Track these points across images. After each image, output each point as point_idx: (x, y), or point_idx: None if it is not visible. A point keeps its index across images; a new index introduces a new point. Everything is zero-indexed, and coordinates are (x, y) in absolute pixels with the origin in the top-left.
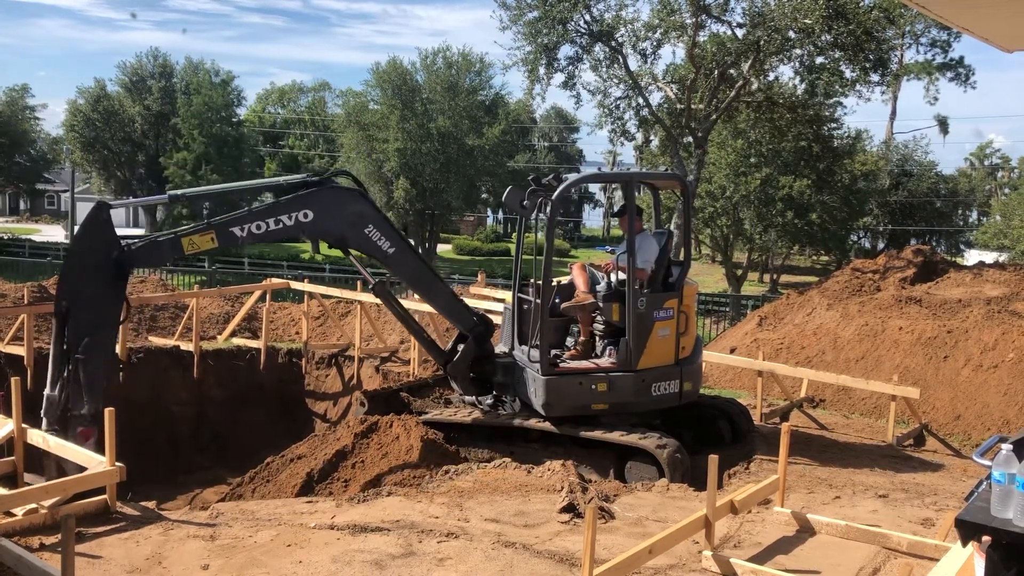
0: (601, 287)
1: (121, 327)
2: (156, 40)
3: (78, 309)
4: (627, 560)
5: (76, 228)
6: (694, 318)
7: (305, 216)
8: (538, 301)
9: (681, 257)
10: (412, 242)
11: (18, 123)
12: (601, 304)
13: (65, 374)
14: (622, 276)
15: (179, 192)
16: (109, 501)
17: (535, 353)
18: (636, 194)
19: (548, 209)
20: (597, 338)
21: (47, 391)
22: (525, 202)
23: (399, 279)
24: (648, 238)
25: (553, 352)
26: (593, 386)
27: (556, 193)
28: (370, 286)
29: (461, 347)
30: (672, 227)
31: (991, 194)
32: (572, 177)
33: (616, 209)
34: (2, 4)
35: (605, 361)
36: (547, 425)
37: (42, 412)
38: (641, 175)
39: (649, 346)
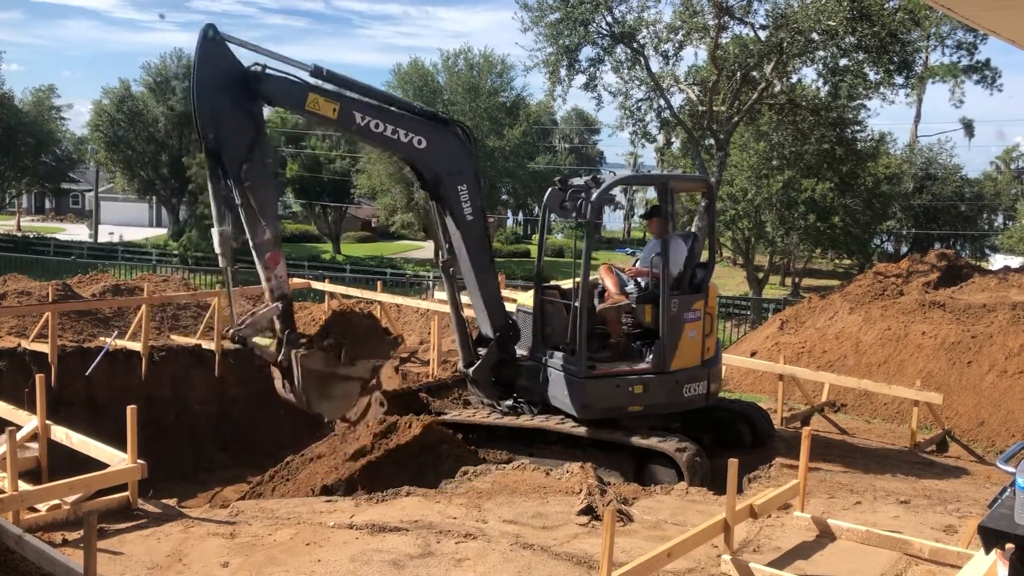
0: (630, 288)
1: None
2: (180, 41)
3: (226, 136)
4: (645, 563)
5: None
6: (716, 319)
7: (419, 143)
8: (576, 304)
9: (704, 259)
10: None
11: (44, 123)
12: (635, 306)
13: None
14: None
15: (323, 69)
16: (131, 498)
17: (569, 356)
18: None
19: (587, 211)
20: (626, 340)
21: (216, 228)
22: (566, 204)
23: (458, 251)
24: (676, 241)
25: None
26: (630, 388)
27: (595, 195)
28: (440, 263)
29: (483, 350)
30: (693, 229)
31: (1017, 198)
32: (611, 179)
33: (643, 211)
34: (29, 5)
35: (639, 363)
36: (568, 427)
37: (217, 249)
38: (674, 177)
39: (680, 348)
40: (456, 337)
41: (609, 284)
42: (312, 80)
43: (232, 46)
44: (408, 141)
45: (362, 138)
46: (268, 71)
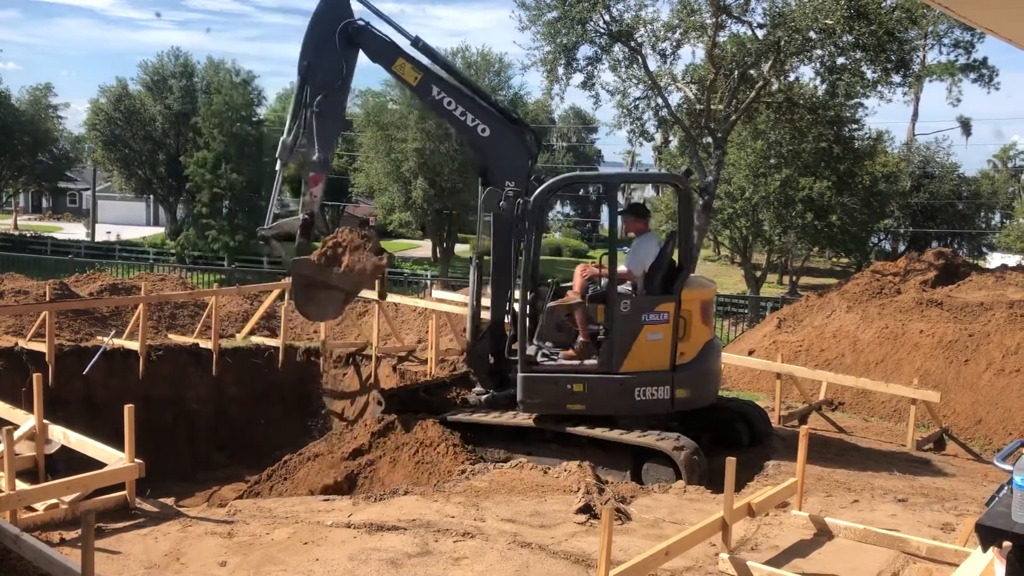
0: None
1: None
2: (177, 40)
3: (316, 68)
4: (643, 562)
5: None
6: (699, 323)
7: (483, 131)
8: (516, 302)
9: (695, 261)
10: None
11: (41, 122)
12: (587, 305)
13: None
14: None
15: (421, 41)
16: (128, 497)
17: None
18: (657, 195)
19: (525, 211)
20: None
21: (283, 137)
22: (502, 203)
23: (492, 241)
24: (648, 240)
25: (540, 350)
26: (568, 386)
27: (534, 196)
28: (474, 252)
29: None
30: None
31: (1014, 196)
32: (551, 180)
33: (620, 209)
34: (25, 4)
35: (586, 362)
36: (565, 426)
37: (277, 154)
38: (626, 176)
39: (635, 350)
40: (469, 321)
41: (576, 283)
42: (408, 48)
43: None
44: (474, 126)
45: (434, 110)
46: (370, 27)
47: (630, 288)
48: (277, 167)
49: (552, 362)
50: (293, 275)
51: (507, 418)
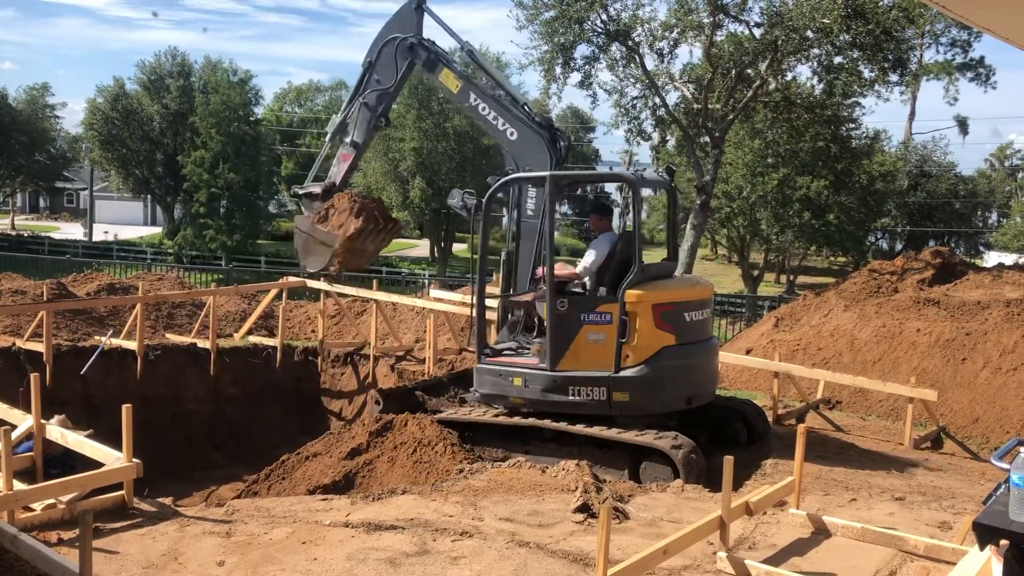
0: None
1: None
2: (174, 39)
3: (376, 68)
4: (641, 560)
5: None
6: (650, 327)
7: (511, 134)
8: (473, 299)
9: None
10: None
11: (38, 121)
12: (535, 303)
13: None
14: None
15: (470, 51)
16: (126, 497)
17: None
18: (654, 193)
19: (476, 209)
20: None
21: (335, 116)
22: (458, 203)
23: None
24: (603, 240)
25: (504, 344)
26: (510, 379)
27: (487, 195)
28: (503, 252)
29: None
30: (689, 227)
31: (1011, 195)
32: (501, 179)
33: (589, 207)
34: (22, 3)
35: (531, 358)
36: (563, 425)
37: (327, 127)
38: (572, 176)
39: (574, 349)
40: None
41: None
42: (456, 58)
43: (428, 18)
44: (504, 129)
45: (470, 114)
46: (424, 43)
47: (579, 288)
48: (326, 139)
49: (504, 355)
50: (295, 228)
51: (505, 417)
